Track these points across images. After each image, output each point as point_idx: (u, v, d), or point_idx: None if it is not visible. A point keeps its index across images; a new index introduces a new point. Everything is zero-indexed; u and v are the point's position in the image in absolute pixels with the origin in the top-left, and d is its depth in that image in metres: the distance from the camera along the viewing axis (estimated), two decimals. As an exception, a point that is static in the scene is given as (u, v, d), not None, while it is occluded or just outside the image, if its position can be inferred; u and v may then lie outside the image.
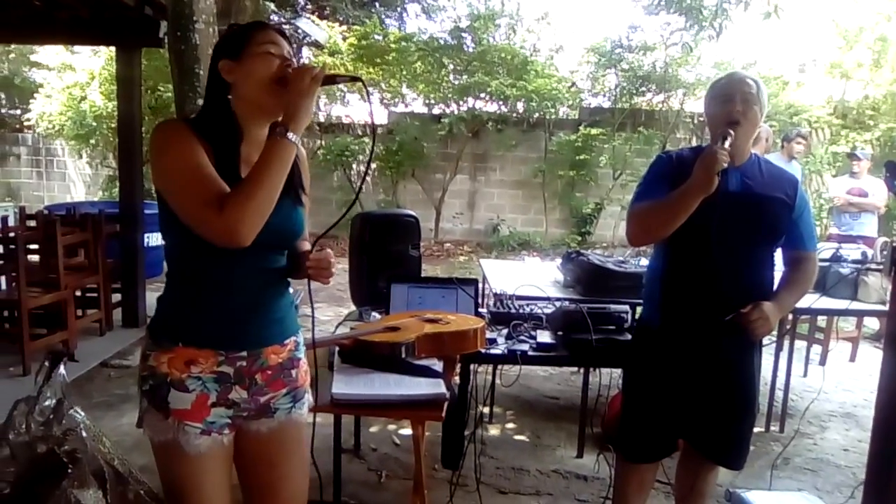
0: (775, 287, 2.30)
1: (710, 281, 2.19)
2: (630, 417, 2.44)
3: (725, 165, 2.04)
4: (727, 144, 2.07)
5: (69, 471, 1.14)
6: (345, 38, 11.34)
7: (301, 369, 1.83)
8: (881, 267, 3.99)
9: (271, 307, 1.73)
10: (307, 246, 1.86)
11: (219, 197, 1.51)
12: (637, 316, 3.09)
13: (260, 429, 1.75)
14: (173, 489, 1.66)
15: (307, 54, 12.57)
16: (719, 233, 2.14)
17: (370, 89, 11.21)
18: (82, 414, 1.29)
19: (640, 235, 2.33)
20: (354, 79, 1.82)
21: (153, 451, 1.68)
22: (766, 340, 2.40)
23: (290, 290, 1.81)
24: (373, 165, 11.57)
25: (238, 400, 1.69)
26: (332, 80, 1.71)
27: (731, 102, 2.16)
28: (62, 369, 1.36)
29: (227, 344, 1.66)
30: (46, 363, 1.37)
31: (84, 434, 1.20)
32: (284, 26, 8.73)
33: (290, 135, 1.56)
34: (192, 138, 1.56)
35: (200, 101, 1.66)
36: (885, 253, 4.23)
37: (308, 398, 1.87)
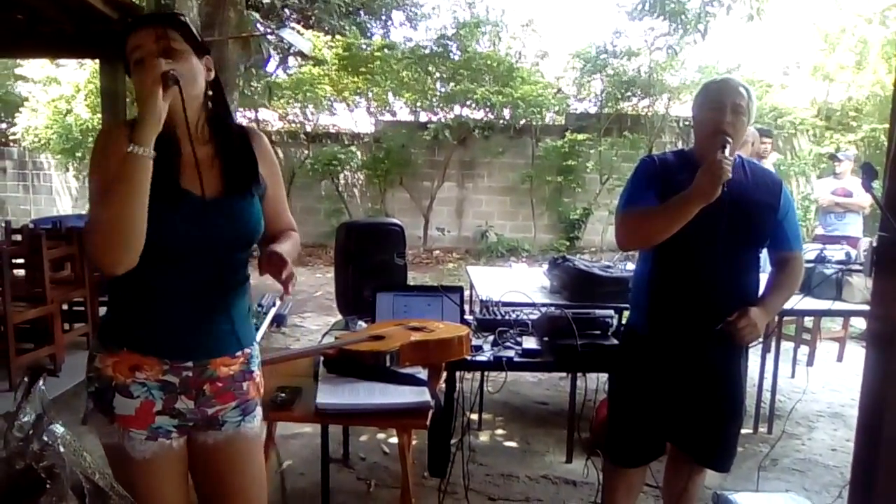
0: (762, 289, 2.31)
1: (696, 286, 2.20)
2: (617, 422, 2.45)
3: (731, 175, 2.00)
4: (727, 152, 2.04)
5: (47, 486, 1.14)
6: (330, 48, 11.36)
7: (254, 382, 1.75)
8: (863, 267, 4.01)
9: (222, 317, 1.63)
10: (296, 237, 1.81)
11: None
12: (623, 320, 3.11)
13: (207, 441, 1.69)
14: (127, 490, 1.57)
15: (293, 64, 12.59)
16: (706, 239, 2.15)
17: (360, 98, 11.30)
18: (62, 429, 1.28)
19: (633, 240, 2.33)
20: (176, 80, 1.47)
21: (103, 450, 1.62)
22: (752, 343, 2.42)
23: (248, 299, 1.72)
24: (360, 174, 11.59)
25: (184, 410, 1.62)
26: (175, 80, 1.44)
27: (722, 112, 2.12)
28: (42, 384, 1.35)
29: (171, 353, 1.59)
30: (26, 379, 1.36)
31: (62, 449, 1.20)
32: (269, 37, 8.71)
33: (133, 147, 1.39)
34: (117, 148, 1.43)
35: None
36: (866, 253, 4.27)
37: (259, 411, 1.79)
